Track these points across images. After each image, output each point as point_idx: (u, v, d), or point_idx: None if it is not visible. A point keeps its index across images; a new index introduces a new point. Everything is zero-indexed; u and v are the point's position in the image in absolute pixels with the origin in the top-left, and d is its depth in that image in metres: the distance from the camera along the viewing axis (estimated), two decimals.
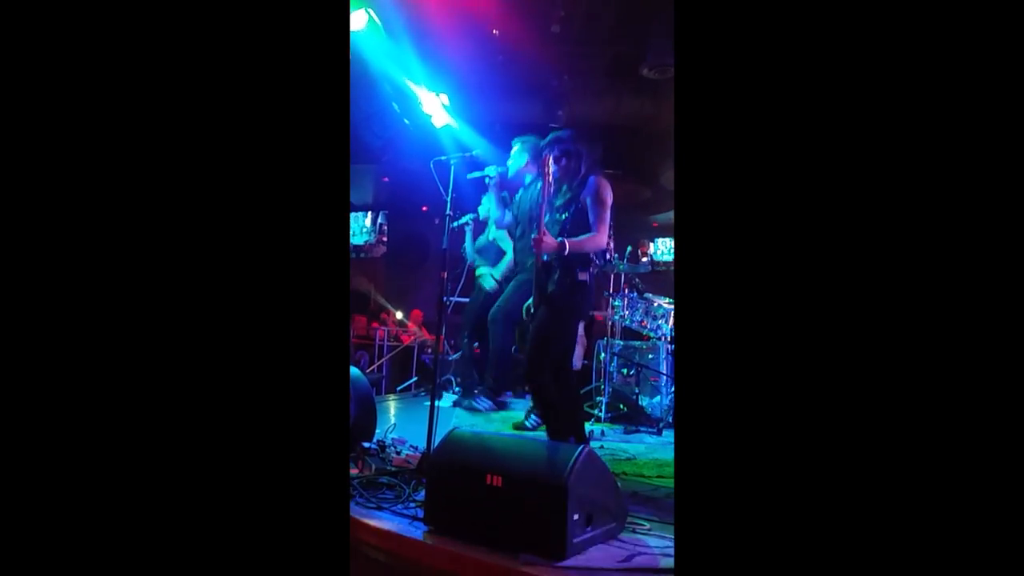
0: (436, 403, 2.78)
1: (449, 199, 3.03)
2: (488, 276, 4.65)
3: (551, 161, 2.87)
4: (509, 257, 4.56)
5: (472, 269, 4.83)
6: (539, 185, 2.94)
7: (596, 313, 4.53)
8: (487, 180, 3.50)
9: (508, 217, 3.97)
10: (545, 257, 2.84)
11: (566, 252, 2.74)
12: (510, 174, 3.81)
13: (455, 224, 4.44)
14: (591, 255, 2.87)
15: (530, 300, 2.94)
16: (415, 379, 6.44)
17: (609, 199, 2.82)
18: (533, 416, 3.95)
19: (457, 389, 4.54)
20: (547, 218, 2.89)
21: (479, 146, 3.77)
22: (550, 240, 2.74)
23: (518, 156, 3.85)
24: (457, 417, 4.03)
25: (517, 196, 3.89)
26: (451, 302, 5.15)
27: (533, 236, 2.79)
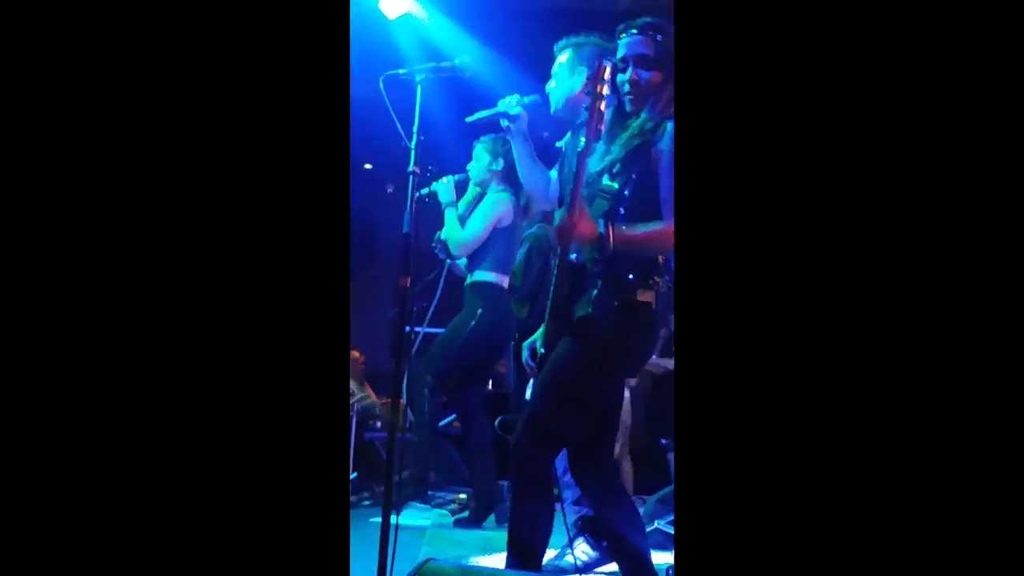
0: (394, 519, 1.77)
1: (413, 147, 2.01)
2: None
3: (607, 72, 1.74)
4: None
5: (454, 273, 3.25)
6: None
7: (660, 364, 3.05)
8: (504, 122, 1.98)
9: (554, 184, 2.30)
10: (574, 256, 1.82)
11: (610, 251, 1.75)
12: (554, 107, 2.20)
13: (424, 191, 3.00)
14: (659, 259, 1.85)
15: (538, 333, 1.94)
16: (355, 475, 4.09)
17: None
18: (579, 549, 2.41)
19: (439, 494, 3.06)
20: (589, 173, 1.85)
21: (466, 52, 2.60)
22: (587, 226, 1.73)
23: (567, 71, 2.20)
24: (429, 544, 2.59)
25: (563, 143, 2.23)
26: (418, 335, 3.05)
27: (556, 224, 1.84)
